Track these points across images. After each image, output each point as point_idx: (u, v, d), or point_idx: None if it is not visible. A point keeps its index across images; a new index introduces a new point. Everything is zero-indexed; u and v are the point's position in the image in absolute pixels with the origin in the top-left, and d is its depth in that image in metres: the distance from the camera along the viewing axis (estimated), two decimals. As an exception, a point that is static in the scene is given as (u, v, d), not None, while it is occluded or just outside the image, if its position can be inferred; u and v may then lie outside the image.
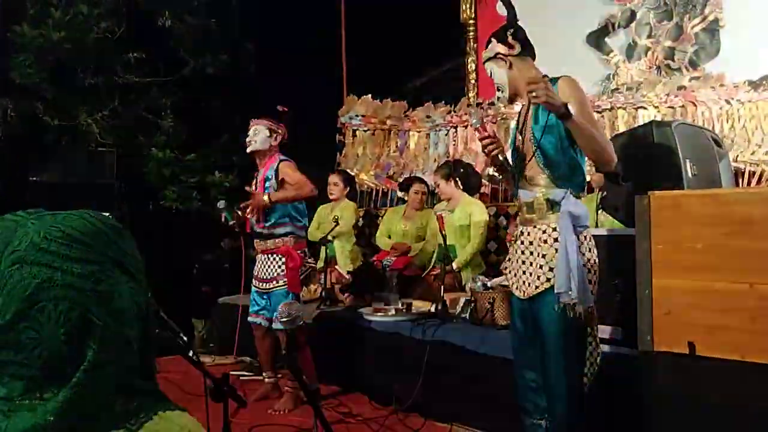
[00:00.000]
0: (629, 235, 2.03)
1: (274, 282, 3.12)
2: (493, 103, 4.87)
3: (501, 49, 2.15)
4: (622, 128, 4.01)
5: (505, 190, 4.68)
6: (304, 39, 5.39)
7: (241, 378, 3.65)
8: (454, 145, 5.06)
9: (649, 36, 4.18)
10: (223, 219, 3.27)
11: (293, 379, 3.04)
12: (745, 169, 3.62)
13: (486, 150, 2.08)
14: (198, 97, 5.37)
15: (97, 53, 4.68)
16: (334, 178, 4.40)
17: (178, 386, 3.33)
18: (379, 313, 3.33)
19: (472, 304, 3.13)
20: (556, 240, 1.96)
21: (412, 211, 4.38)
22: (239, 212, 3.23)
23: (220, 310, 4.38)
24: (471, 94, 5.11)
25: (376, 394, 3.20)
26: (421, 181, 4.48)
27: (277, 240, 3.11)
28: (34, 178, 4.46)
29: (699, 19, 3.94)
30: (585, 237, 1.99)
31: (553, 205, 1.99)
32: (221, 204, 3.29)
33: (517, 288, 2.09)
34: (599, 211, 3.22)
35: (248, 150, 3.18)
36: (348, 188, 4.48)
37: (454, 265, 3.67)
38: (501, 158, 2.10)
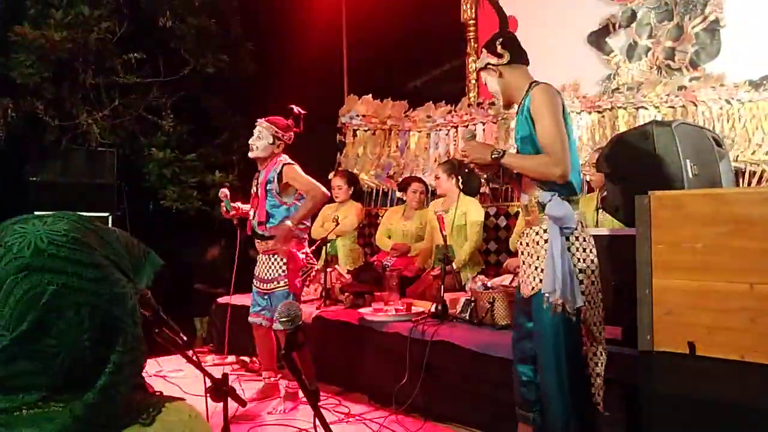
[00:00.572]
0: (629, 235, 2.03)
1: (275, 282, 3.11)
2: (493, 103, 4.87)
3: (491, 59, 2.22)
4: (622, 128, 4.01)
5: (505, 191, 4.68)
6: (305, 39, 5.39)
7: (240, 378, 3.65)
8: (454, 145, 5.06)
9: (650, 36, 4.17)
10: (223, 208, 3.24)
11: (292, 379, 3.04)
12: (745, 168, 3.61)
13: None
14: (198, 97, 5.37)
15: (97, 53, 4.68)
16: (337, 181, 4.40)
17: (177, 386, 3.34)
18: (379, 313, 3.33)
19: (472, 304, 3.13)
20: (546, 242, 2.03)
21: (412, 210, 4.38)
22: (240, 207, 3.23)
23: (220, 309, 4.38)
24: (471, 94, 5.11)
25: (375, 394, 3.20)
26: (420, 180, 4.48)
27: (287, 245, 3.09)
28: (34, 178, 4.46)
29: (699, 19, 3.94)
30: (577, 238, 2.05)
31: (543, 207, 2.06)
32: (223, 191, 3.26)
33: (521, 285, 2.20)
34: (599, 211, 3.22)
35: (250, 155, 3.16)
36: (352, 188, 4.49)
37: (454, 265, 3.67)
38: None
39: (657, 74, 4.11)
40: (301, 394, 2.97)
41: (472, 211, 3.86)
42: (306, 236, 3.25)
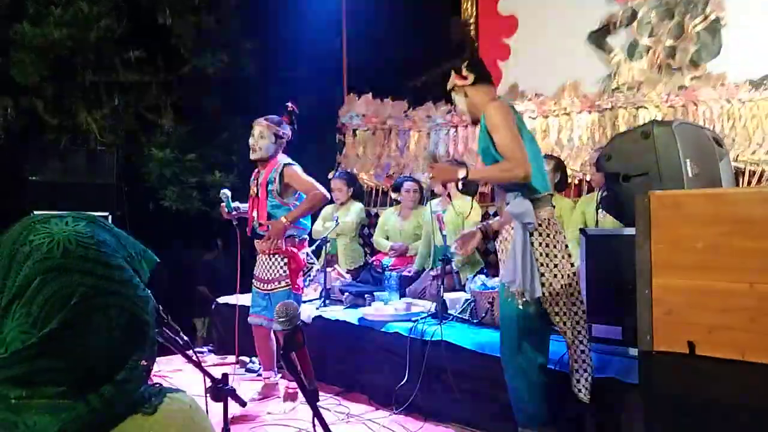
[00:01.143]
0: (629, 234, 2.03)
1: (276, 283, 3.10)
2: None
3: (457, 81, 2.39)
4: (623, 127, 4.01)
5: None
6: (305, 38, 5.39)
7: (240, 378, 3.65)
8: (454, 144, 5.06)
9: (651, 35, 4.17)
10: (224, 209, 3.21)
11: (292, 380, 3.04)
12: (745, 168, 3.61)
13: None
14: (198, 96, 5.37)
15: (97, 52, 4.67)
16: (337, 184, 4.38)
17: (177, 386, 3.33)
18: (379, 313, 3.32)
19: (472, 304, 3.13)
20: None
21: (407, 210, 4.39)
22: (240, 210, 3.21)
23: (220, 310, 4.38)
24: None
25: (375, 395, 3.20)
26: (412, 179, 4.48)
27: (279, 241, 3.09)
28: (34, 178, 4.46)
29: (700, 19, 3.94)
30: (540, 234, 2.20)
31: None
32: (225, 193, 3.23)
33: None
34: (599, 211, 3.22)
35: (252, 157, 3.14)
36: (351, 189, 4.47)
37: (453, 266, 3.67)
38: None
39: (657, 73, 4.11)
40: (300, 394, 2.97)
41: (468, 211, 3.85)
42: (306, 236, 3.24)
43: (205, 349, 4.40)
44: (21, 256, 0.63)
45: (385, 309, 3.35)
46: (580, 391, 2.25)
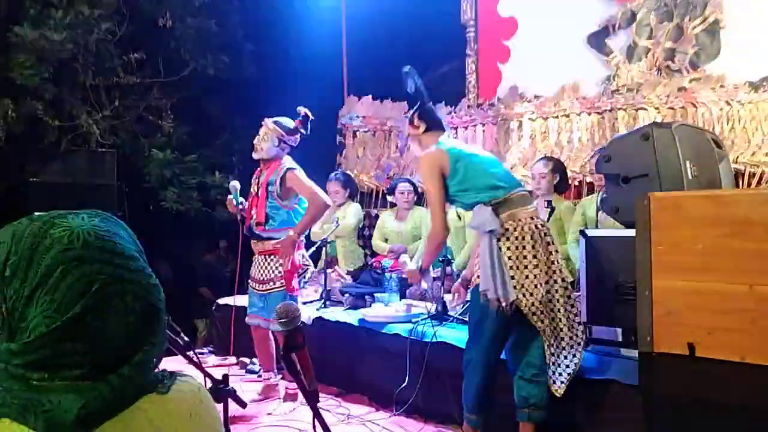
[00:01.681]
0: (629, 236, 2.03)
1: (272, 283, 3.11)
2: (493, 104, 4.88)
3: (410, 130, 2.64)
4: (622, 129, 4.01)
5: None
6: (305, 39, 5.39)
7: (240, 379, 3.65)
8: (454, 146, 5.06)
9: (650, 37, 4.18)
10: (231, 202, 3.17)
11: (292, 380, 3.04)
12: (745, 170, 3.61)
13: None
14: (198, 98, 5.38)
15: (97, 54, 4.68)
16: (333, 186, 4.34)
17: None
18: (379, 314, 3.33)
19: (472, 305, 3.13)
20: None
21: (404, 211, 4.39)
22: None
23: (221, 310, 4.38)
24: (471, 96, 5.12)
25: (375, 396, 3.20)
26: (406, 180, 4.48)
27: (275, 242, 3.09)
28: (35, 179, 4.46)
29: (699, 20, 3.94)
30: (508, 238, 2.28)
31: None
32: (234, 186, 3.21)
33: None
34: (599, 212, 3.22)
35: (254, 156, 3.14)
36: (348, 190, 4.47)
37: (454, 267, 3.67)
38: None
39: (657, 75, 4.12)
40: (300, 395, 2.97)
41: (469, 213, 3.85)
42: (303, 238, 3.25)
43: (205, 350, 4.40)
44: (42, 249, 0.67)
45: (386, 310, 3.36)
46: (554, 382, 2.31)
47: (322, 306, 3.73)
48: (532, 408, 2.32)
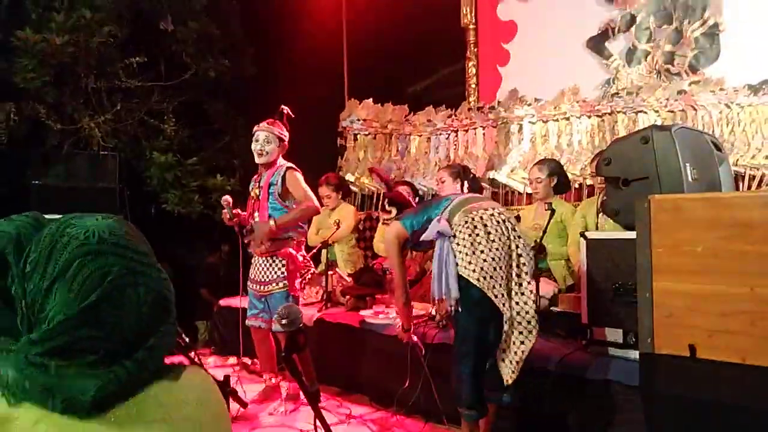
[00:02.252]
0: (629, 238, 2.04)
1: (274, 284, 3.12)
2: (493, 107, 4.89)
3: (383, 215, 3.05)
4: (622, 132, 4.02)
5: (505, 194, 4.70)
6: (305, 43, 5.41)
7: (242, 380, 3.65)
8: (455, 149, 5.08)
9: (649, 40, 4.19)
10: (225, 215, 3.18)
11: (293, 381, 3.05)
12: (745, 172, 3.63)
13: None
14: (200, 101, 5.39)
15: (99, 58, 4.69)
16: (324, 191, 4.26)
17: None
18: (380, 316, 3.33)
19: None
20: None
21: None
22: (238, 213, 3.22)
23: (222, 312, 4.38)
24: (471, 98, 5.13)
25: (376, 396, 3.21)
26: (405, 183, 4.48)
27: (277, 243, 3.10)
28: (37, 182, 4.47)
29: (699, 24, 3.96)
30: (462, 232, 2.31)
31: None
32: (226, 199, 3.20)
33: None
34: (599, 215, 3.23)
35: (259, 161, 3.15)
36: (340, 193, 4.42)
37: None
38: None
39: (656, 78, 4.13)
40: (302, 395, 2.97)
41: None
42: (304, 239, 3.26)
43: (207, 351, 4.41)
44: (60, 245, 0.72)
45: (387, 312, 3.36)
46: (504, 368, 2.32)
47: (324, 308, 3.74)
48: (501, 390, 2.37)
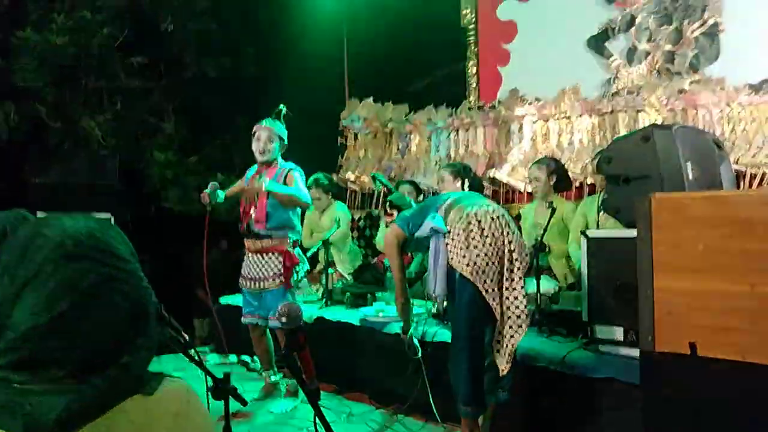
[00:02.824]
0: (630, 236, 2.03)
1: (271, 280, 3.13)
2: (494, 107, 4.89)
3: (386, 218, 2.95)
4: (623, 132, 4.02)
5: (506, 192, 4.70)
6: (306, 42, 5.41)
7: (241, 377, 3.65)
8: (455, 148, 5.07)
9: (649, 40, 4.19)
10: (206, 199, 3.15)
11: (293, 378, 3.04)
12: (746, 171, 3.62)
13: None
14: (200, 100, 5.39)
15: (99, 57, 4.69)
16: (314, 193, 4.20)
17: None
18: (380, 314, 3.33)
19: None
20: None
21: None
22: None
23: (220, 310, 4.38)
24: (472, 98, 5.13)
25: (376, 394, 3.20)
26: (409, 182, 4.48)
27: (273, 240, 3.12)
28: (37, 181, 4.46)
29: (699, 23, 3.96)
30: (456, 227, 2.36)
31: None
32: (213, 186, 3.20)
33: None
34: (600, 213, 3.23)
35: (261, 160, 3.15)
36: (330, 194, 4.39)
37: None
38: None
39: (657, 78, 4.13)
40: (301, 393, 2.97)
41: None
42: (299, 238, 3.28)
43: (206, 348, 4.41)
44: (34, 247, 0.67)
45: (387, 310, 3.36)
46: (498, 359, 2.36)
47: (324, 305, 3.73)
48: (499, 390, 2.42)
